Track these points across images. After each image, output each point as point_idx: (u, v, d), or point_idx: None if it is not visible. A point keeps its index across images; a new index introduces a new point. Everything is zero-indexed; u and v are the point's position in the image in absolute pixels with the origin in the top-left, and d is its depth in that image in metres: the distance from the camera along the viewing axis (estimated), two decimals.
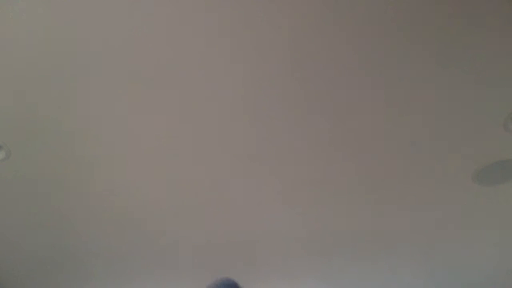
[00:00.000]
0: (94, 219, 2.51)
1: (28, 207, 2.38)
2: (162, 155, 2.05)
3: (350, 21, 1.49)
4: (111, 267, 3.03)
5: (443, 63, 1.63)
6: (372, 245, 2.84)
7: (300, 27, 1.50)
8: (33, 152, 2.00)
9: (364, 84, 1.71)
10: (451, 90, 1.74)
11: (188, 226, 2.59)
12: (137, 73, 1.66)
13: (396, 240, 2.78)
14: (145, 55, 1.59)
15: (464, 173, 2.17)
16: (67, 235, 2.66)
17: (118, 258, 2.93)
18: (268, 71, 1.66)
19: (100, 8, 1.43)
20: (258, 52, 1.59)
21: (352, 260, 3.02)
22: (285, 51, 1.58)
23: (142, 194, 2.32)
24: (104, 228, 2.60)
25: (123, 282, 3.25)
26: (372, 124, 1.90)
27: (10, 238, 2.67)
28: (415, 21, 1.48)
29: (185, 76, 1.68)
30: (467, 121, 1.88)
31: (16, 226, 2.55)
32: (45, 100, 1.74)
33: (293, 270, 3.14)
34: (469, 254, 2.95)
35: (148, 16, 1.46)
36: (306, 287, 3.38)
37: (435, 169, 2.15)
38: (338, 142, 1.99)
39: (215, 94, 1.75)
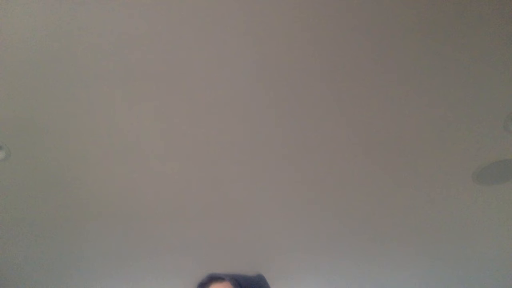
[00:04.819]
0: (94, 219, 2.51)
1: (28, 207, 2.38)
2: (162, 155, 2.05)
3: (350, 21, 1.49)
4: (111, 266, 3.03)
5: (443, 63, 1.63)
6: (372, 245, 2.84)
7: (302, 27, 1.50)
8: (33, 152, 2.00)
9: (363, 84, 1.71)
10: (451, 90, 1.74)
11: (188, 226, 2.59)
12: (137, 73, 1.66)
13: (396, 240, 2.78)
14: (146, 55, 1.59)
15: (464, 173, 2.17)
16: (67, 235, 2.66)
17: (118, 258, 2.93)
18: (270, 72, 1.66)
19: (100, 8, 1.43)
20: (256, 52, 1.59)
21: (352, 260, 3.02)
22: (285, 51, 1.58)
23: (142, 194, 2.32)
24: (104, 228, 2.60)
25: (123, 281, 3.25)
26: (371, 123, 1.90)
27: (10, 238, 2.67)
28: (415, 21, 1.48)
29: (186, 76, 1.68)
30: (467, 121, 1.88)
31: (16, 226, 2.55)
32: (45, 100, 1.74)
33: (293, 270, 3.14)
34: (469, 254, 2.95)
35: (148, 15, 1.46)
36: (306, 287, 3.38)
37: (435, 169, 2.15)
38: (337, 142, 1.99)
39: (216, 94, 1.75)
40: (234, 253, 2.90)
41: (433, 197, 2.36)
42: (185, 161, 2.09)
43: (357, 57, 1.61)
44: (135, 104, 1.79)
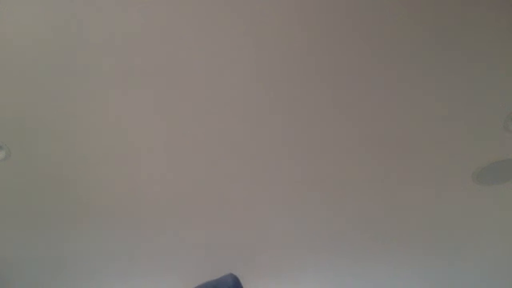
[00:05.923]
0: (94, 219, 2.51)
1: (28, 206, 2.38)
2: (162, 155, 2.05)
3: (351, 20, 1.49)
4: (111, 266, 3.03)
5: (443, 63, 1.63)
6: (372, 244, 2.84)
7: (302, 27, 1.50)
8: (33, 152, 2.00)
9: (363, 84, 1.71)
10: (451, 90, 1.74)
11: (188, 226, 2.59)
12: (137, 72, 1.66)
13: (396, 240, 2.78)
14: (146, 55, 1.59)
15: (464, 173, 2.17)
16: (67, 235, 2.66)
17: (118, 258, 2.93)
18: (270, 72, 1.66)
19: (100, 7, 1.43)
20: (256, 51, 1.59)
21: (352, 260, 3.02)
22: (284, 49, 1.58)
23: (142, 194, 2.32)
24: (104, 228, 2.60)
25: (123, 281, 3.25)
26: (371, 123, 1.90)
27: (10, 238, 2.67)
28: (415, 21, 1.48)
29: (186, 76, 1.68)
30: (467, 121, 1.88)
31: (16, 226, 2.55)
32: (45, 100, 1.74)
33: (293, 270, 3.14)
34: (469, 253, 2.95)
35: (148, 14, 1.46)
36: (306, 287, 3.38)
37: (435, 169, 2.15)
38: (337, 142, 1.99)
39: (216, 93, 1.75)
40: (234, 252, 2.90)
41: (433, 197, 2.36)
42: (185, 160, 2.09)
43: (357, 57, 1.61)
44: (135, 104, 1.79)
